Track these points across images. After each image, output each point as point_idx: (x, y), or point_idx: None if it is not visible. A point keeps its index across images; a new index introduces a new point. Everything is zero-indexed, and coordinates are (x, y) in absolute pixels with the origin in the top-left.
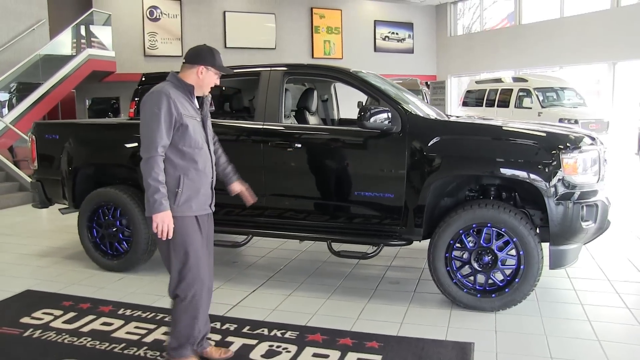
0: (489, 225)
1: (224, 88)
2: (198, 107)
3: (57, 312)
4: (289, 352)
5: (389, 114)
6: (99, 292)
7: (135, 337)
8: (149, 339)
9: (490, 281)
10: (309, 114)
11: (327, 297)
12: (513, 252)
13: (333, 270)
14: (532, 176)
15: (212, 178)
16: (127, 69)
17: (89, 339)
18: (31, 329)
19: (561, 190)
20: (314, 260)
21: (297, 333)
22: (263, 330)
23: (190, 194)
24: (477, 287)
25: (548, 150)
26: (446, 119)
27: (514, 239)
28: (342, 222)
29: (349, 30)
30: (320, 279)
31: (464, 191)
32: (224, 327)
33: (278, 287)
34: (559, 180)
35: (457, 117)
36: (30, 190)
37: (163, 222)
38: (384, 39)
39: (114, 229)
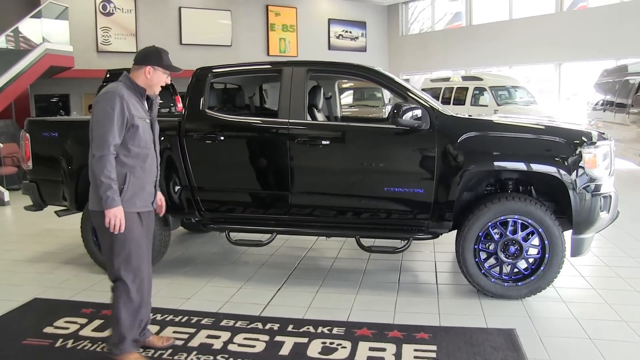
0: (516, 217)
1: (225, 86)
2: (148, 108)
3: (81, 320)
4: (344, 348)
5: (420, 112)
6: None
7: (180, 342)
8: (194, 342)
9: (515, 270)
10: (317, 111)
11: (355, 292)
12: (535, 242)
13: (349, 266)
14: (558, 170)
15: (157, 177)
16: (79, 65)
17: None
18: (61, 339)
19: (583, 182)
20: (324, 258)
21: (344, 329)
22: (308, 328)
23: (135, 191)
24: (504, 276)
25: (572, 145)
26: (469, 116)
27: (540, 230)
28: (371, 218)
29: (304, 28)
30: (340, 275)
31: (482, 186)
32: (267, 327)
33: (301, 284)
34: (581, 173)
35: (471, 115)
36: (24, 192)
37: (115, 217)
38: (337, 37)
39: None
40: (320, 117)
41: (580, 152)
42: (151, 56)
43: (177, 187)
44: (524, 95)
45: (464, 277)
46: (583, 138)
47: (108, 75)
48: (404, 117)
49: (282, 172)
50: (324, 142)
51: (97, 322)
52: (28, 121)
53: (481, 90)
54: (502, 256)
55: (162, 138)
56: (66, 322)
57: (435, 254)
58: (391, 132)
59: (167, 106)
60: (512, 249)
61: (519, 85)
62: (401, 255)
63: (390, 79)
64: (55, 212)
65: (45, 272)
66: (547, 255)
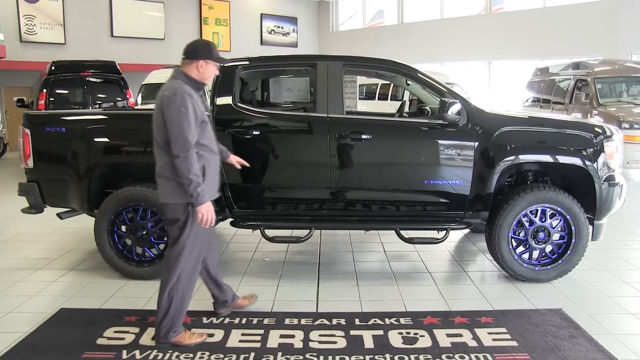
0: (547, 205)
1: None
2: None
3: (133, 329)
4: (423, 336)
5: (457, 107)
6: (151, 303)
7: (256, 345)
8: (272, 343)
9: (542, 254)
10: None
11: (394, 283)
12: (559, 228)
13: (371, 258)
14: (585, 162)
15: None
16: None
17: (207, 353)
18: (125, 350)
19: (604, 173)
20: (339, 252)
21: (409, 318)
22: (376, 320)
23: (210, 181)
24: (534, 261)
25: (595, 139)
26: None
27: (568, 217)
28: (410, 211)
29: (237, 23)
30: (368, 267)
31: (505, 177)
32: (334, 323)
33: (337, 278)
34: (602, 164)
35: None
36: (20, 193)
37: (208, 212)
38: (270, 33)
39: (144, 232)
40: None
41: (602, 145)
42: (202, 50)
43: None
44: (458, 91)
45: (497, 263)
46: (600, 131)
47: (53, 68)
48: (449, 112)
49: (322, 167)
50: (364, 137)
51: (151, 331)
52: (26, 115)
53: None
54: (532, 242)
55: None
56: (116, 332)
57: (445, 244)
58: (430, 126)
59: (113, 100)
60: (542, 235)
61: (452, 81)
62: (414, 246)
63: (425, 75)
64: (58, 214)
65: (55, 280)
66: (573, 240)
